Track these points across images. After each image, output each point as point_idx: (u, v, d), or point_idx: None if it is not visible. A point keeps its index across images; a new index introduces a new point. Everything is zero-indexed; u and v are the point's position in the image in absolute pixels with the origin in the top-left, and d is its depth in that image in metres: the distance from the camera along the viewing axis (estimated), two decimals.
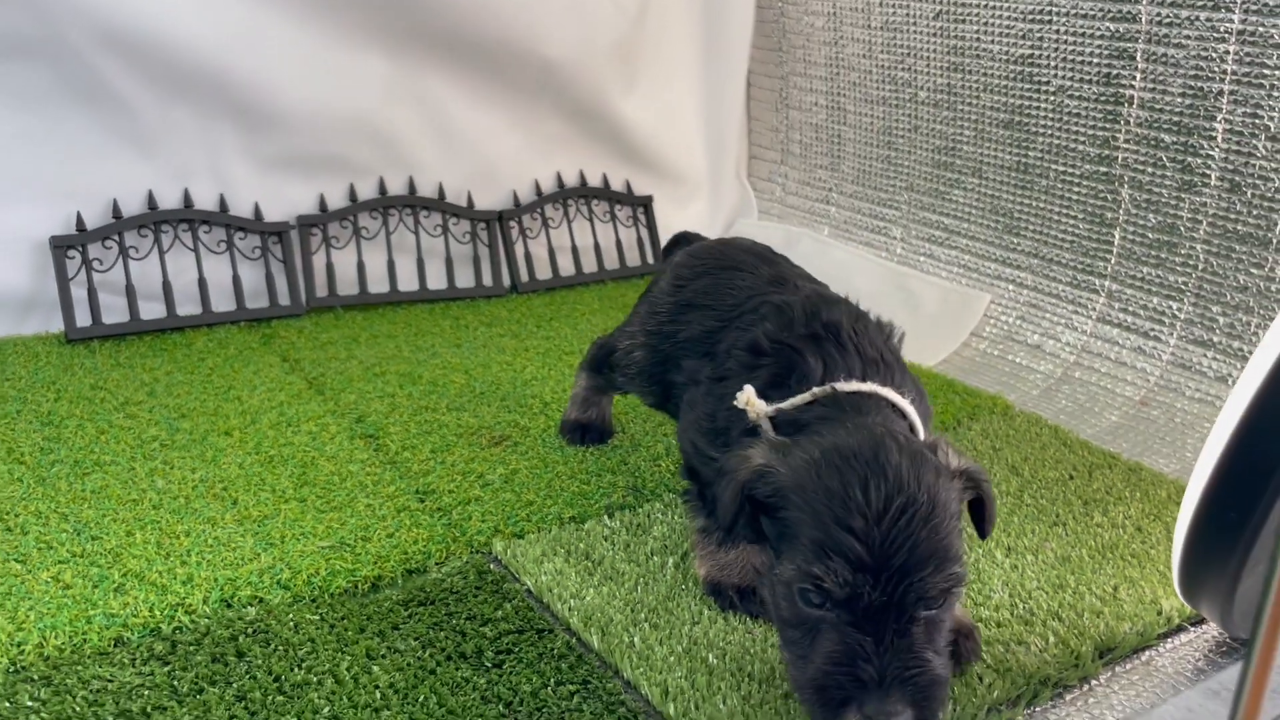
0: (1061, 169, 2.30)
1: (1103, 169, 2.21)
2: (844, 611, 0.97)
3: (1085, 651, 1.33)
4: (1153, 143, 2.11)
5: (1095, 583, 1.48)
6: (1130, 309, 2.21)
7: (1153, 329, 2.16)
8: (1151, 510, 1.69)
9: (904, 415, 1.15)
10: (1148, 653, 1.36)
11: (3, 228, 2.09)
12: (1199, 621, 1.43)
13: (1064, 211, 2.31)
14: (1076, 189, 2.27)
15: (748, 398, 1.15)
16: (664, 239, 2.89)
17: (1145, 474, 1.83)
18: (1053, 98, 2.28)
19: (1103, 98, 2.19)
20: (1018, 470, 1.82)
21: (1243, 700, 0.72)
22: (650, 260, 2.86)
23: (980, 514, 1.13)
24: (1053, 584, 1.47)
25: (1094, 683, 1.29)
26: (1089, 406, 2.14)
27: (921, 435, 1.15)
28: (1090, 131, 2.22)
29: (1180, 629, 1.42)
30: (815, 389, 1.14)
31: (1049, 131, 2.30)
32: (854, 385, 1.13)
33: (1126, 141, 2.16)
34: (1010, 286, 2.44)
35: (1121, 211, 2.20)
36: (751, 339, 1.25)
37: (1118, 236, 2.22)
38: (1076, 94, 2.24)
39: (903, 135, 2.66)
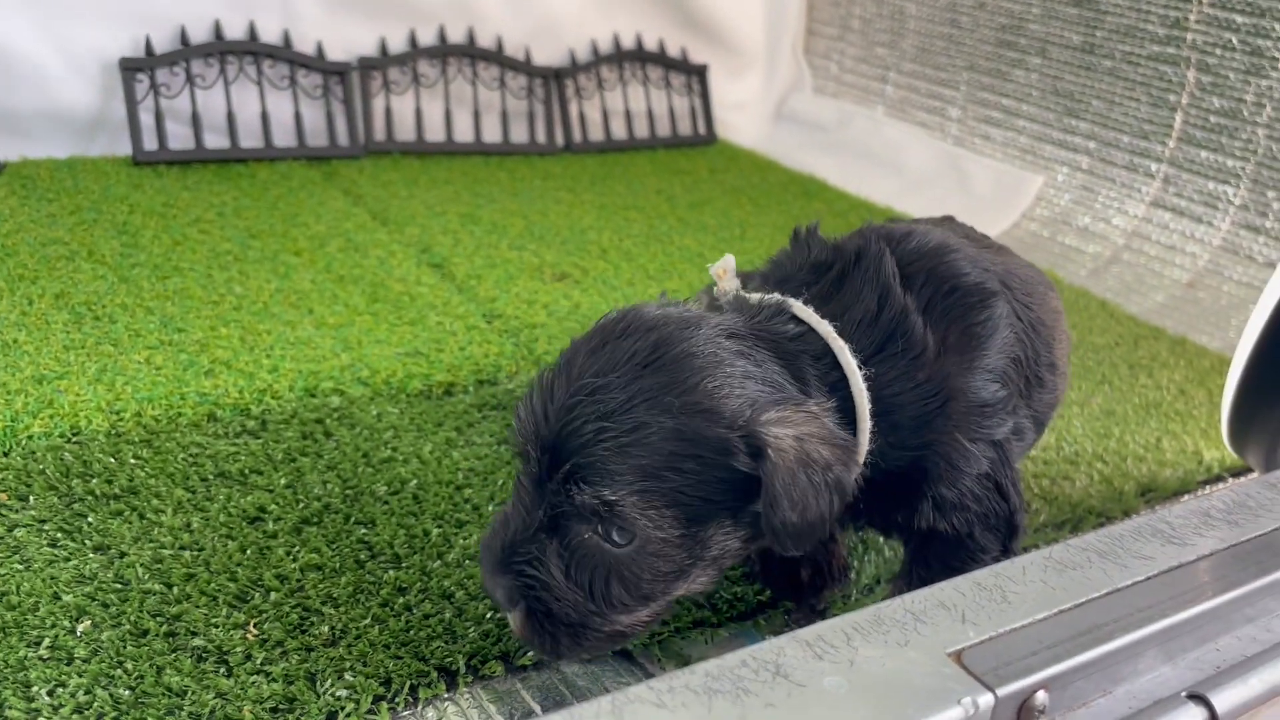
0: (1128, 49, 2.28)
1: (1170, 50, 2.20)
2: (524, 471, 0.87)
3: (1128, 489, 1.39)
4: (1224, 24, 2.10)
5: (1139, 434, 1.53)
6: (1184, 193, 2.22)
7: (1205, 213, 2.18)
8: (1195, 377, 1.73)
9: (840, 370, 0.89)
10: (1187, 495, 1.42)
11: (73, 46, 2.10)
12: (1240, 473, 1.48)
13: (1126, 94, 2.30)
14: (1141, 70, 2.26)
15: (723, 267, 0.98)
16: (718, 110, 2.90)
17: (1190, 346, 1.86)
18: None
19: None
20: None
21: None
22: (703, 131, 2.86)
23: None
24: (1098, 433, 1.52)
25: (1136, 516, 1.35)
26: (1135, 286, 2.16)
27: (863, 421, 0.88)
28: (1161, 10, 2.20)
29: (1219, 479, 1.47)
30: (771, 295, 0.93)
31: (1119, 10, 2.28)
32: (806, 313, 0.90)
33: (1197, 22, 2.14)
34: (1065, 169, 2.44)
35: (1185, 94, 2.20)
36: (813, 228, 1.05)
37: (1179, 120, 2.22)
38: None
39: (968, 12, 2.63)
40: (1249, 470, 1.47)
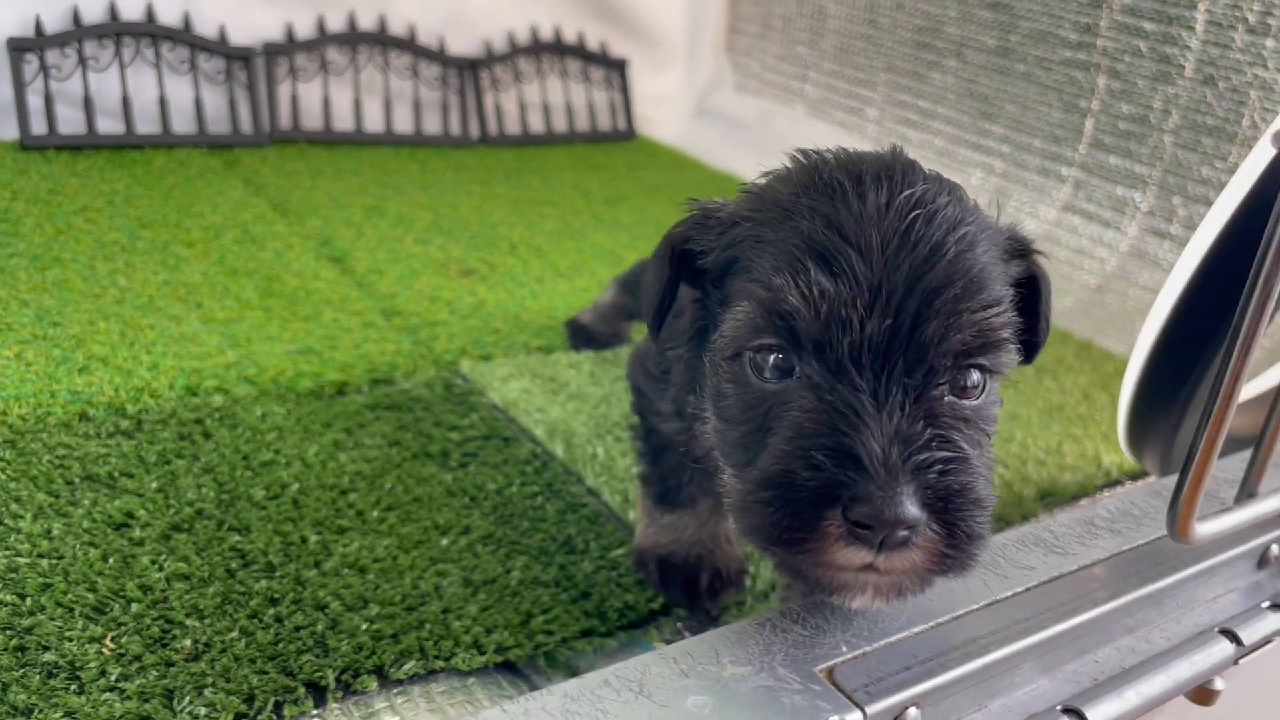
0: (1041, 54, 2.30)
1: (1082, 56, 2.22)
2: (819, 364, 0.64)
3: (1027, 494, 1.39)
4: (1134, 30, 2.12)
5: (1041, 438, 1.53)
6: (1094, 198, 2.24)
7: (1114, 219, 2.20)
8: (1099, 380, 1.75)
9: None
10: (1085, 500, 1.43)
11: None
12: (1139, 477, 1.49)
13: (1039, 98, 2.32)
14: (1054, 75, 2.28)
15: None
16: (638, 105, 2.87)
17: (1095, 350, 1.88)
18: None
19: None
20: None
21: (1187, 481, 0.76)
22: (622, 125, 2.83)
23: (1034, 304, 0.76)
24: (1001, 437, 1.52)
25: (1034, 520, 1.35)
26: None
27: None
28: (1074, 16, 2.22)
29: (1118, 483, 1.48)
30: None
31: (1033, 15, 2.30)
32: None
33: (1108, 29, 2.16)
34: (979, 172, 2.45)
35: (1096, 100, 2.22)
36: None
37: (1089, 125, 2.24)
38: None
39: (886, 14, 2.63)
40: (1146, 475, 1.48)
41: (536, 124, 2.70)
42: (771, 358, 0.66)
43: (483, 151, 2.53)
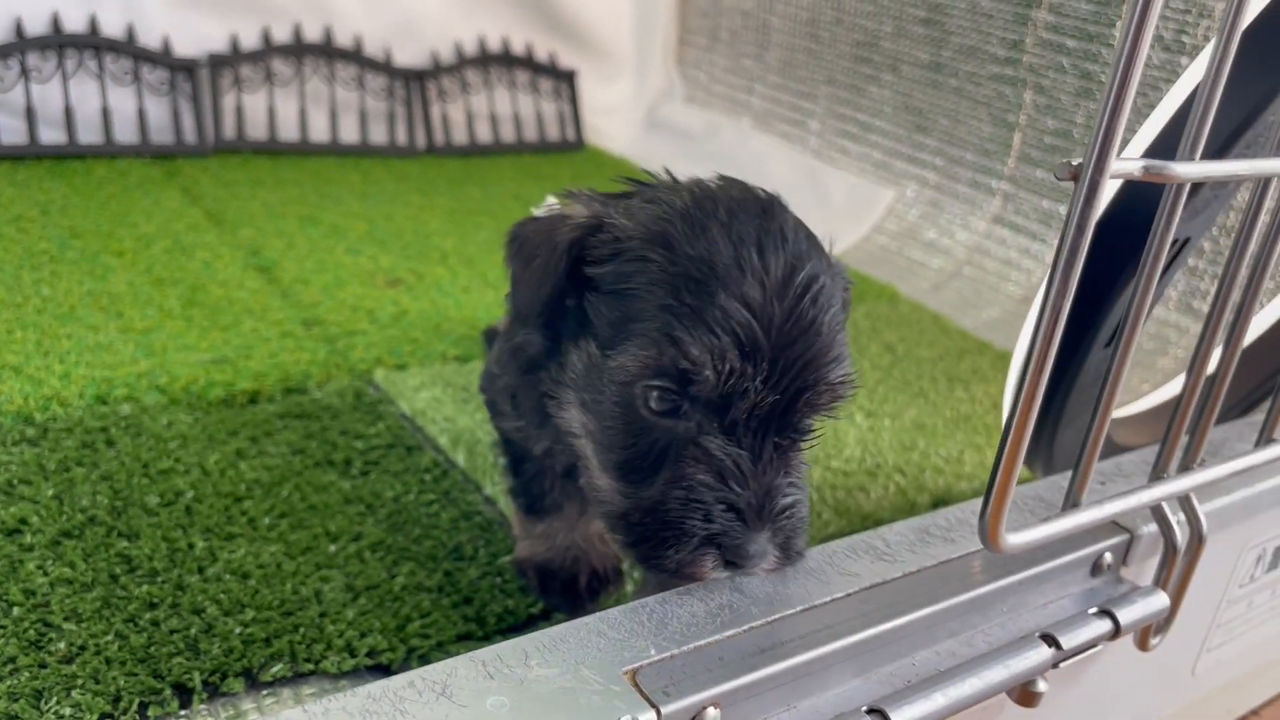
0: (971, 69, 2.35)
1: (1009, 71, 2.27)
2: (710, 418, 0.74)
3: (922, 502, 1.43)
4: (1057, 47, 2.17)
5: (944, 447, 1.57)
6: (1022, 211, 2.29)
7: (1040, 231, 2.25)
8: None
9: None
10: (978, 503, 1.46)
11: None
12: (1029, 482, 1.53)
13: (970, 113, 2.37)
14: (984, 90, 2.33)
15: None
16: (587, 116, 2.91)
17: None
18: None
19: None
20: (892, 348, 1.90)
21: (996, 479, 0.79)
22: (571, 136, 2.87)
23: None
24: (904, 445, 1.56)
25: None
26: (973, 301, 2.23)
27: None
28: (1001, 33, 2.27)
29: None
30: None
31: (962, 31, 2.35)
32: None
33: (1034, 45, 2.21)
34: (914, 185, 2.50)
35: (1023, 115, 2.27)
36: None
37: (1017, 139, 2.29)
38: None
39: (827, 28, 2.68)
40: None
41: (484, 134, 2.74)
42: (657, 392, 0.74)
43: (427, 161, 2.57)
